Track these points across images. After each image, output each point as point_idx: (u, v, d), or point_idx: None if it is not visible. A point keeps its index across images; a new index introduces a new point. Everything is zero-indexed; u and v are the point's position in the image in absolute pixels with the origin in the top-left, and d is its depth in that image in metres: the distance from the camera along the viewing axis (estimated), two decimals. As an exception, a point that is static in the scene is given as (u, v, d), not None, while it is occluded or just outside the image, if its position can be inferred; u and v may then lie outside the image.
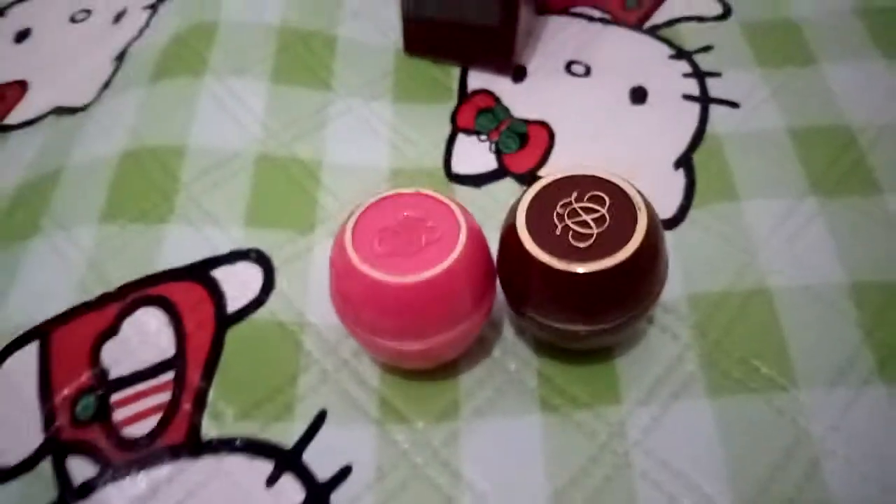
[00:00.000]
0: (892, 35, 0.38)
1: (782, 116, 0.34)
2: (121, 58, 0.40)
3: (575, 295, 0.24)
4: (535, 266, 0.24)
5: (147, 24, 0.42)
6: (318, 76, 0.38)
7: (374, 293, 0.24)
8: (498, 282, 0.27)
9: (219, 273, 0.31)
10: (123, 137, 0.35)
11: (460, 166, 0.35)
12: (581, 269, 0.23)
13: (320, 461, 0.26)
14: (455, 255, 0.24)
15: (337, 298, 0.26)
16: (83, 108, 0.38)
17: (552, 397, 0.27)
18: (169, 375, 0.28)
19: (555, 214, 0.25)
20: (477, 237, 0.26)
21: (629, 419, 0.27)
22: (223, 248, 0.31)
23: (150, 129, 0.35)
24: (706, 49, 0.38)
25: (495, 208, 0.32)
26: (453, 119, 0.36)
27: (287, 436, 0.27)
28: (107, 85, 0.39)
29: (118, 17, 0.43)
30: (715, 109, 0.35)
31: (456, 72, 0.38)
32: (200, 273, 0.31)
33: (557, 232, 0.24)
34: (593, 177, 0.26)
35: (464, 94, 0.37)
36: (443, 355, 0.27)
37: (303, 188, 0.34)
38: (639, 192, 0.25)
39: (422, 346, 0.25)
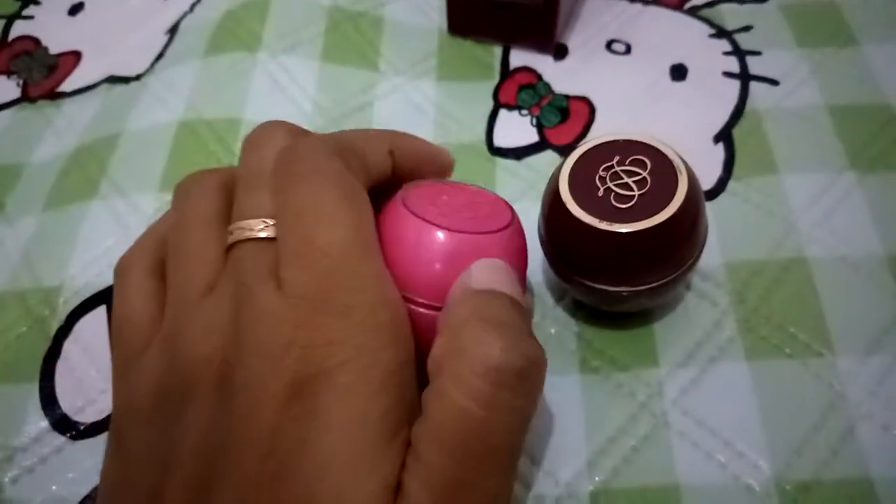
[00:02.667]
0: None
1: (822, 94, 0.35)
2: (173, 31, 0.42)
3: (617, 255, 0.24)
4: (578, 227, 0.24)
5: (198, 0, 0.43)
6: (365, 56, 0.39)
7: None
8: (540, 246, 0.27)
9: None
10: (180, 108, 0.36)
11: (502, 140, 0.35)
12: (623, 229, 0.24)
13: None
14: None
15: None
16: (136, 78, 0.39)
17: (591, 359, 0.28)
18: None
19: (597, 177, 0.25)
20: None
21: (667, 381, 0.27)
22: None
23: (207, 101, 0.36)
24: (746, 29, 0.38)
25: (536, 178, 0.33)
26: (495, 95, 0.37)
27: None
28: (160, 56, 0.40)
29: (169, -7, 0.44)
30: (755, 86, 0.35)
31: (498, 51, 0.39)
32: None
33: (600, 194, 0.25)
34: (635, 141, 0.26)
35: (506, 72, 0.38)
36: None
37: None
38: (679, 156, 0.25)
39: None
